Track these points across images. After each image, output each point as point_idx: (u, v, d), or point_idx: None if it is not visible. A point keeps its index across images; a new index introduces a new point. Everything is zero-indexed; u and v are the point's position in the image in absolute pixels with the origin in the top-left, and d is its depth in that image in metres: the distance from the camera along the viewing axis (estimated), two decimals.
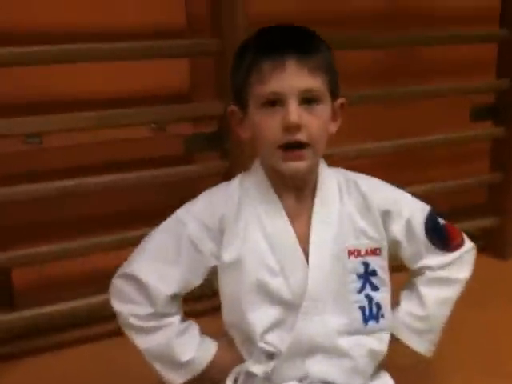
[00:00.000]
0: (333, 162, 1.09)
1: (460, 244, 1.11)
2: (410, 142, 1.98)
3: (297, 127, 0.92)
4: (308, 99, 0.94)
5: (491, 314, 1.72)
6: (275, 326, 1.00)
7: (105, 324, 1.62)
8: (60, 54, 1.47)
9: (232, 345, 1.04)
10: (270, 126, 0.94)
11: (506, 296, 1.85)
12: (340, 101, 1.01)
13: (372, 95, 1.89)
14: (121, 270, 1.03)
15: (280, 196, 1.02)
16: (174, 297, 1.02)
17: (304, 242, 1.01)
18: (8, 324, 1.58)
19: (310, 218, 1.02)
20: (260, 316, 1.00)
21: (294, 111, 0.92)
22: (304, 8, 1.81)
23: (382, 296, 1.05)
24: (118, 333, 1.06)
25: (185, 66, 1.75)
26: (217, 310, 1.06)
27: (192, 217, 1.01)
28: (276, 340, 1.00)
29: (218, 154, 1.69)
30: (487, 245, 2.16)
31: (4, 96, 1.58)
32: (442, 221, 1.11)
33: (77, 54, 1.49)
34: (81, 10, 1.62)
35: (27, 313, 1.57)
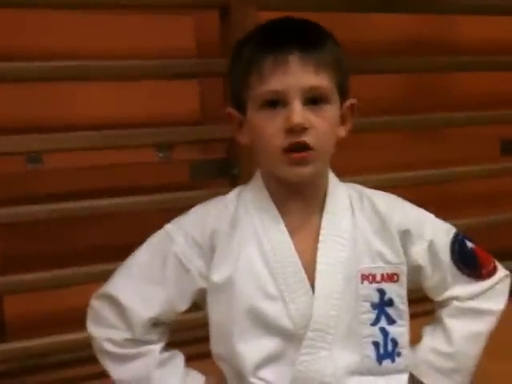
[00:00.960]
0: None
1: (492, 271, 0.98)
2: (436, 174, 1.88)
3: (301, 129, 0.83)
4: (313, 99, 0.84)
5: None
6: (272, 359, 0.88)
7: None
8: (66, 71, 1.45)
9: (222, 381, 0.92)
10: (271, 128, 0.84)
11: None
12: (350, 101, 0.91)
13: (398, 122, 1.83)
14: (100, 290, 0.94)
15: (282, 208, 0.90)
16: (156, 322, 0.91)
17: (309, 262, 0.88)
18: None
19: (317, 234, 0.90)
20: (253, 348, 0.87)
21: (298, 112, 0.82)
22: None
23: (400, 331, 0.91)
24: None
25: (194, 89, 1.71)
26: None
27: (181, 232, 0.91)
28: (272, 376, 0.87)
29: (227, 180, 1.61)
30: None
31: (5, 115, 1.54)
32: (470, 244, 0.98)
33: (83, 72, 1.47)
34: (88, 33, 1.60)
35: (20, 344, 1.48)
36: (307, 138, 0.83)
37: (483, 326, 0.96)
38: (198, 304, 0.92)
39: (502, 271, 0.99)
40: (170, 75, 1.56)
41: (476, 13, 1.89)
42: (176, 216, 0.96)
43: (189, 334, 1.48)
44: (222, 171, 1.60)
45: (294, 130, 0.82)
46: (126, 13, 1.56)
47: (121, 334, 0.89)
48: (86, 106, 1.60)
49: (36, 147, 1.46)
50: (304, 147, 0.83)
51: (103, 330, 0.91)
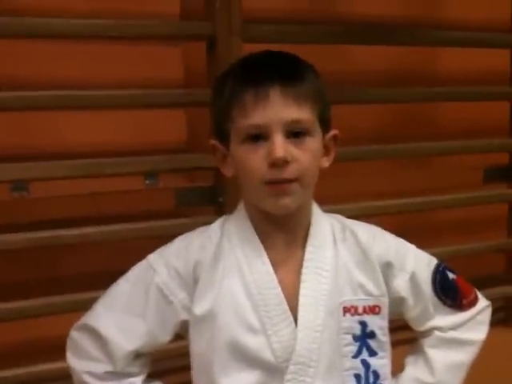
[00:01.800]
0: None
1: (473, 302, 1.00)
2: (420, 202, 1.89)
3: (284, 163, 0.83)
4: (295, 132, 0.85)
5: None
6: None
7: None
8: (53, 100, 1.44)
9: None
10: (254, 161, 0.85)
11: None
12: (332, 133, 0.92)
13: (381, 151, 1.83)
14: (80, 321, 0.93)
15: (265, 240, 0.91)
16: (137, 354, 0.90)
17: (292, 295, 0.89)
18: None
19: (299, 266, 0.90)
20: (234, 381, 0.87)
21: (280, 145, 0.83)
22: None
23: (381, 363, 0.92)
24: None
25: (181, 118, 1.71)
26: None
27: (164, 263, 0.91)
28: None
29: (213, 208, 1.61)
30: (507, 316, 2.03)
31: None
32: (451, 275, 1.00)
33: (70, 101, 1.46)
34: (76, 62, 1.60)
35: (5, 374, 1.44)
36: (289, 174, 0.84)
37: (465, 356, 0.97)
38: (181, 334, 0.92)
39: (483, 301, 1.01)
40: (157, 104, 1.56)
41: (456, 45, 1.92)
42: (161, 243, 0.95)
43: (170, 363, 1.46)
44: (208, 199, 1.60)
45: (276, 164, 0.83)
46: (114, 43, 1.56)
47: (101, 367, 0.89)
48: (73, 134, 1.59)
49: (21, 175, 1.44)
50: (287, 180, 0.84)
51: (83, 363, 0.90)
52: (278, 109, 0.83)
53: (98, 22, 1.45)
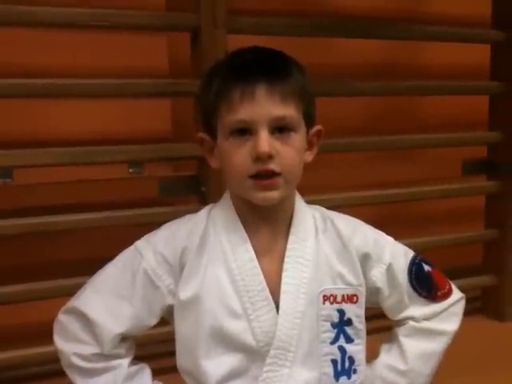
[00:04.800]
0: None
1: (447, 293, 1.02)
2: (399, 193, 1.92)
3: (268, 157, 0.85)
4: (280, 127, 0.87)
5: (489, 381, 1.59)
6: (235, 375, 0.90)
7: None
8: (40, 88, 1.44)
9: None
10: (239, 156, 0.87)
11: (505, 361, 1.73)
12: (316, 128, 0.94)
13: (362, 143, 1.85)
14: (67, 304, 0.94)
15: (249, 230, 0.93)
16: (124, 337, 0.92)
17: (274, 283, 0.91)
18: None
19: (282, 255, 0.93)
20: (216, 364, 0.89)
21: (265, 140, 0.85)
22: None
23: (356, 349, 0.95)
24: None
25: (166, 107, 1.72)
26: None
27: (151, 249, 0.93)
28: None
29: (196, 197, 1.63)
30: (483, 305, 2.09)
31: None
32: (427, 267, 1.02)
33: (56, 89, 1.47)
34: (63, 50, 1.61)
35: None
36: (273, 166, 0.86)
37: (437, 345, 1.00)
38: (166, 319, 0.94)
39: (456, 293, 1.03)
40: (143, 94, 1.57)
41: (438, 39, 1.95)
42: (145, 231, 0.96)
43: (156, 348, 1.49)
44: (191, 188, 1.62)
45: (260, 158, 0.85)
46: (100, 32, 1.57)
47: (89, 349, 0.91)
48: (58, 122, 1.60)
49: (6, 162, 1.45)
50: (271, 174, 0.86)
51: (71, 345, 0.91)
52: (264, 106, 0.84)
53: (85, 11, 1.46)
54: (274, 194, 0.88)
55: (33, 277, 1.51)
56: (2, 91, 1.43)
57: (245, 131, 0.86)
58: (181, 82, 1.58)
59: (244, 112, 0.85)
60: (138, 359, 0.96)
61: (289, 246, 0.93)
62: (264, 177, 0.86)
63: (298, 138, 0.89)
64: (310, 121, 0.92)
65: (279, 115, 0.86)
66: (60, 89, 1.47)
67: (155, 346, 1.50)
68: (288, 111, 0.87)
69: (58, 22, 1.46)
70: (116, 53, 1.63)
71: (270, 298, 0.90)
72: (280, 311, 0.90)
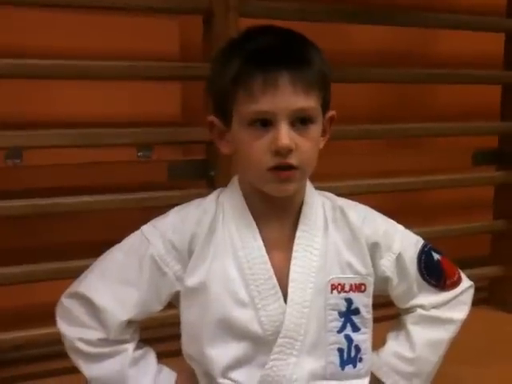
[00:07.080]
0: None
1: (457, 282, 1.01)
2: (408, 181, 1.91)
3: (288, 151, 0.84)
4: (300, 119, 0.85)
5: (494, 372, 1.59)
6: (241, 362, 0.90)
7: None
8: (50, 69, 1.44)
9: (193, 378, 0.93)
10: (258, 147, 0.85)
11: (510, 352, 1.72)
12: (330, 114, 0.93)
13: (373, 131, 1.84)
14: (71, 289, 0.93)
15: (258, 218, 0.92)
16: (130, 322, 0.91)
17: (282, 272, 0.90)
18: None
19: (291, 244, 0.92)
20: (222, 352, 0.89)
21: (286, 134, 0.83)
22: None
23: (363, 338, 0.95)
24: None
25: (176, 91, 1.71)
26: None
27: (159, 234, 0.92)
28: (241, 377, 0.90)
29: (204, 182, 1.62)
30: (490, 296, 2.08)
31: None
32: (437, 255, 1.01)
33: (68, 71, 1.46)
34: (74, 32, 1.61)
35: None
36: (293, 160, 0.84)
37: (445, 333, 1.00)
38: (172, 303, 0.93)
39: (465, 282, 1.03)
40: (153, 77, 1.56)
41: (452, 27, 1.92)
42: (153, 214, 0.95)
43: (161, 331, 1.49)
44: (200, 173, 1.61)
45: (280, 152, 0.83)
46: (111, 14, 1.56)
47: (94, 334, 0.90)
48: (68, 104, 1.60)
49: (16, 143, 1.44)
50: (289, 167, 0.85)
51: (76, 329, 0.90)
52: (287, 97, 0.82)
53: None
54: (290, 187, 0.87)
55: (40, 258, 1.51)
56: (16, 72, 1.42)
57: (265, 122, 0.84)
58: (191, 65, 1.57)
59: (266, 103, 0.83)
60: (142, 342, 0.95)
61: (298, 234, 0.92)
62: (282, 169, 0.85)
63: (316, 129, 0.88)
64: (326, 108, 0.91)
65: (301, 107, 0.84)
66: (70, 70, 1.46)
67: (160, 329, 1.50)
68: (310, 103, 0.85)
69: (69, 2, 1.45)
70: (128, 35, 1.63)
71: (278, 286, 0.90)
72: (288, 300, 0.89)
